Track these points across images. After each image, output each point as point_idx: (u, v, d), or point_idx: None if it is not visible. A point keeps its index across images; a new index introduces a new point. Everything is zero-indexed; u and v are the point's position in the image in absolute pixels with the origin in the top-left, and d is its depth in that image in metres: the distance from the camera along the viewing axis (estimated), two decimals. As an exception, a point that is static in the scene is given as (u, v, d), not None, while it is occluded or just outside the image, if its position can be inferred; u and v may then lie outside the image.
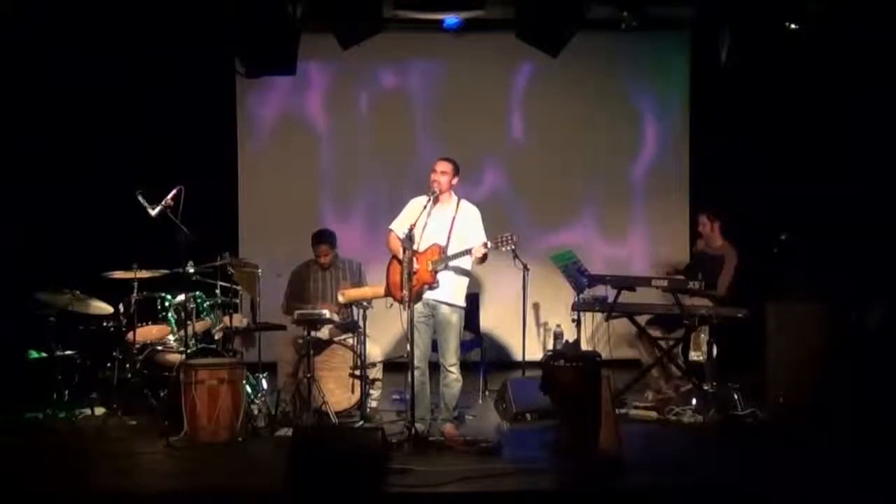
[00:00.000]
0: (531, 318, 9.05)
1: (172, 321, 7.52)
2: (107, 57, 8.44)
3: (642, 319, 7.73)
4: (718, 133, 9.16)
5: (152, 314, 7.54)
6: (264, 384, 7.28)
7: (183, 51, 8.47)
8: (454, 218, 6.63)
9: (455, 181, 6.69)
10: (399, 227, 6.67)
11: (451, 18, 8.89)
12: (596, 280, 7.55)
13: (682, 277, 7.63)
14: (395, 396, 7.78)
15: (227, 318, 7.42)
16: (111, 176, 8.31)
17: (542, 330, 9.44)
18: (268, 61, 8.04)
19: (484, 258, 6.53)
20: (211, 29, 7.86)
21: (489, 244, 6.43)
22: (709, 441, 6.70)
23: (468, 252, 6.49)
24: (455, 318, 6.63)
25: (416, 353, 6.51)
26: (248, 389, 6.98)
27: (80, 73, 8.41)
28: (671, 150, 9.61)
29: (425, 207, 6.51)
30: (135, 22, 7.96)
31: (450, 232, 6.59)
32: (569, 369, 6.40)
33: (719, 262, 7.71)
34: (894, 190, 8.11)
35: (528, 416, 7.13)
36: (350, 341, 7.23)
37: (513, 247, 6.50)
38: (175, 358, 7.24)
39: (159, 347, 7.41)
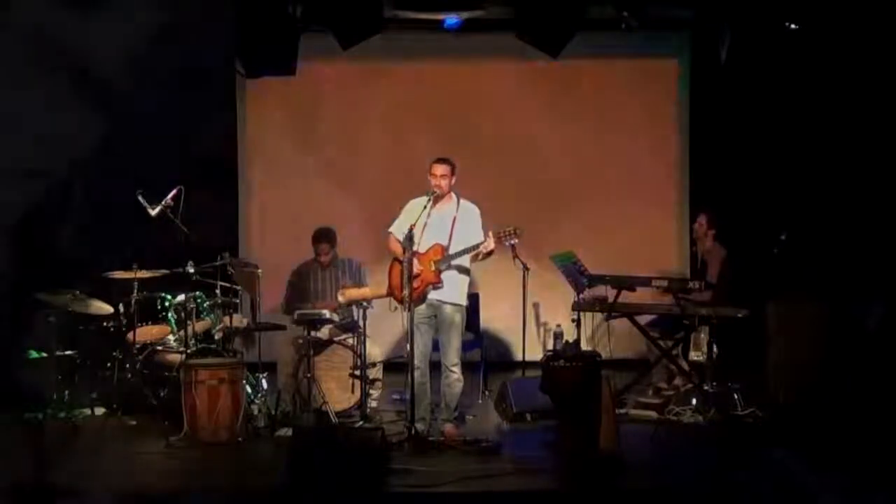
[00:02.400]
0: (531, 318, 9.05)
1: (172, 321, 7.52)
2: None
3: (643, 320, 7.74)
4: (718, 134, 9.16)
5: (152, 314, 7.54)
6: (264, 384, 7.28)
7: (183, 50, 8.46)
8: (455, 217, 6.63)
9: (454, 181, 6.70)
10: (398, 229, 6.67)
11: (451, 18, 8.89)
12: (596, 280, 7.55)
13: (682, 278, 7.65)
14: (395, 396, 7.78)
15: (227, 318, 7.42)
16: (111, 176, 8.30)
17: (542, 330, 9.44)
18: (268, 61, 8.05)
19: (489, 254, 6.52)
20: (211, 28, 7.86)
21: (493, 238, 6.42)
22: (709, 441, 6.70)
23: (473, 249, 6.49)
24: (458, 318, 6.64)
25: (417, 353, 6.51)
26: (248, 389, 6.99)
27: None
28: (671, 151, 9.60)
29: (425, 208, 6.51)
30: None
31: (451, 231, 6.60)
32: (569, 369, 6.40)
33: (706, 264, 7.77)
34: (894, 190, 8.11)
35: (528, 416, 7.13)
36: (350, 341, 7.23)
37: (516, 241, 6.50)
38: (175, 358, 7.24)
39: (159, 347, 7.41)
